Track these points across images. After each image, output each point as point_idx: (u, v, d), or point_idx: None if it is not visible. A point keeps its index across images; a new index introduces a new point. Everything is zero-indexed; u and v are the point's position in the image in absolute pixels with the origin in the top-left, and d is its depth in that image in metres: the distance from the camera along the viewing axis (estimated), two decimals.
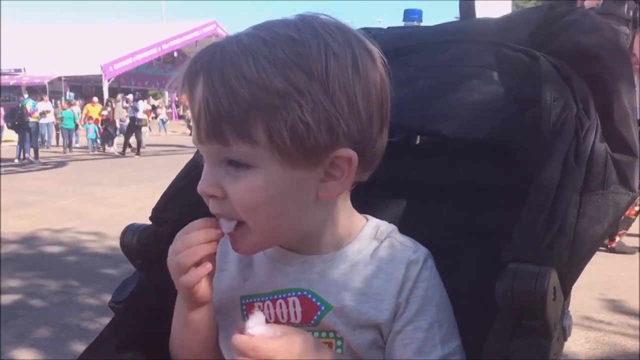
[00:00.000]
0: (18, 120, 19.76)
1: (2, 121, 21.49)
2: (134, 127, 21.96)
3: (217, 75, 0.89)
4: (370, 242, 1.05)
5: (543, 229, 0.91)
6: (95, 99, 27.40)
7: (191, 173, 1.23)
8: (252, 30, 0.95)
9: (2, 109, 22.17)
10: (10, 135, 21.52)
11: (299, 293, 1.03)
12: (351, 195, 1.06)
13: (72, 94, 35.86)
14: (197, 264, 0.98)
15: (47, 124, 23.78)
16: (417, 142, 1.31)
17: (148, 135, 24.37)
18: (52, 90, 33.44)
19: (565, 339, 0.94)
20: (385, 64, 0.99)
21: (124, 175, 14.72)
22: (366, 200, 1.13)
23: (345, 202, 1.05)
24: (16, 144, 20.05)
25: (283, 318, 1.04)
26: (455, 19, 1.60)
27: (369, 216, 1.10)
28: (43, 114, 22.20)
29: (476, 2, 1.44)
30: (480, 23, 1.39)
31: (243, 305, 1.08)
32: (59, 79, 35.62)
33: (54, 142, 25.32)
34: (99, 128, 24.29)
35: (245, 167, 0.92)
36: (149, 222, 1.26)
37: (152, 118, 28.88)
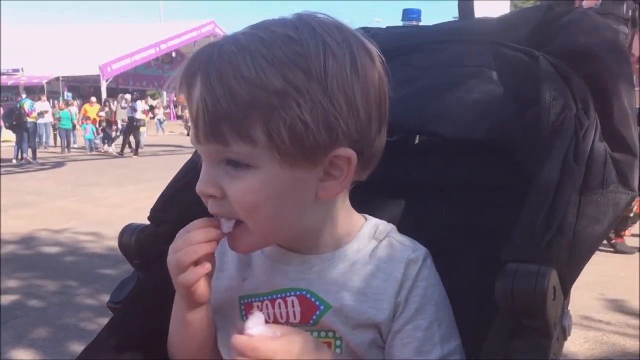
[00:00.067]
0: (16, 121, 19.74)
1: (0, 121, 21.46)
2: (133, 127, 21.95)
3: (215, 75, 0.89)
4: (369, 241, 1.05)
5: (542, 229, 0.91)
6: (93, 99, 27.40)
7: (189, 173, 1.23)
8: (249, 29, 0.95)
9: (0, 109, 22.14)
10: (8, 135, 21.50)
11: (298, 293, 1.02)
12: (350, 194, 1.06)
13: (70, 94, 35.81)
14: (196, 263, 0.98)
15: (45, 124, 23.77)
16: (416, 141, 1.31)
17: (146, 135, 24.33)
18: (50, 90, 33.43)
19: (565, 339, 0.94)
20: (384, 63, 0.99)
21: (123, 176, 14.72)
22: (365, 200, 1.13)
23: (344, 201, 1.05)
24: (14, 144, 20.04)
25: (282, 318, 1.03)
26: (453, 19, 1.60)
27: (367, 216, 1.10)
28: (41, 114, 22.19)
29: (475, 1, 1.44)
30: (479, 23, 1.39)
31: (242, 305, 1.08)
32: (57, 79, 35.59)
33: (51, 142, 25.31)
34: (96, 128, 24.29)
35: (244, 166, 0.92)
36: (147, 222, 1.26)
37: (150, 118, 28.86)
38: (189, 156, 1.25)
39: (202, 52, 0.94)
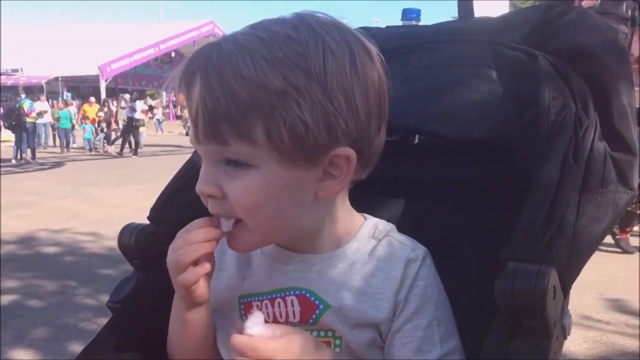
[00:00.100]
0: (15, 121, 19.74)
1: (0, 121, 21.47)
2: (132, 127, 21.94)
3: (214, 75, 0.88)
4: (368, 241, 1.05)
5: (542, 228, 0.91)
6: (92, 99, 27.38)
7: (189, 173, 1.23)
8: (248, 29, 0.95)
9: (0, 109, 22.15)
10: (7, 135, 21.50)
11: (298, 292, 1.02)
12: (351, 194, 1.06)
13: (69, 94, 35.81)
14: (196, 263, 0.98)
15: (44, 124, 23.77)
16: (416, 141, 1.31)
17: (145, 135, 24.33)
18: (49, 90, 33.45)
19: (565, 338, 0.94)
20: (383, 62, 0.99)
21: (122, 176, 14.71)
22: (366, 200, 1.13)
23: (344, 201, 1.05)
24: (13, 144, 20.03)
25: (281, 317, 1.03)
26: (452, 19, 1.60)
27: (367, 215, 1.10)
28: (40, 114, 22.18)
29: (474, 1, 1.44)
30: (478, 22, 1.39)
31: (241, 304, 1.08)
32: (56, 79, 35.59)
33: (51, 142, 25.31)
34: (95, 128, 24.30)
35: (244, 166, 0.92)
36: (147, 222, 1.26)
37: (149, 118, 28.86)
38: (188, 156, 1.25)
39: (201, 52, 0.93)
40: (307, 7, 0.98)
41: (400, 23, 1.52)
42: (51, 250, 7.15)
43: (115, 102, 25.05)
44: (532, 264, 0.87)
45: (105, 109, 24.09)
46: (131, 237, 1.22)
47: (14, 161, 19.05)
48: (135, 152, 21.57)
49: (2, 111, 21.65)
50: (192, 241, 0.98)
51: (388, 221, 1.11)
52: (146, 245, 1.22)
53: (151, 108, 32.48)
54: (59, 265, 6.46)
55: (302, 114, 0.88)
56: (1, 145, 21.02)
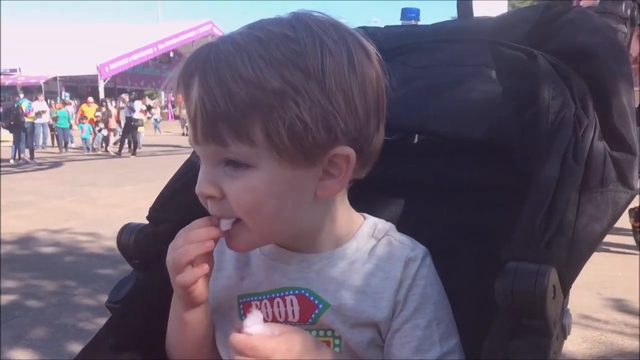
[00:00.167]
0: (13, 121, 19.73)
1: None
2: (131, 127, 21.95)
3: (212, 76, 0.88)
4: (368, 240, 1.05)
5: (542, 228, 0.91)
6: (91, 99, 27.39)
7: (188, 174, 1.23)
8: (246, 29, 0.94)
9: None
10: (6, 135, 21.49)
11: (297, 292, 1.02)
12: (351, 194, 1.06)
13: (67, 94, 35.81)
14: (193, 263, 0.98)
15: (43, 124, 23.75)
16: (415, 141, 1.31)
17: (144, 135, 24.34)
18: (47, 90, 33.43)
19: (564, 338, 0.94)
20: (380, 60, 0.99)
21: (120, 176, 14.71)
22: (366, 200, 1.14)
23: (343, 200, 1.05)
24: (11, 144, 20.02)
25: (281, 317, 1.03)
26: (450, 19, 1.60)
27: (366, 214, 1.10)
28: (39, 114, 22.16)
29: (473, 1, 1.44)
30: (477, 22, 1.39)
31: (240, 304, 1.08)
32: (55, 79, 35.59)
33: (49, 142, 25.29)
34: (93, 128, 24.30)
35: (243, 166, 0.92)
36: (146, 222, 1.26)
37: (147, 118, 28.87)
38: (187, 156, 1.25)
39: (199, 52, 0.93)
40: (306, 7, 0.98)
41: (399, 23, 1.52)
42: (50, 250, 7.14)
43: (114, 102, 25.04)
44: (532, 264, 0.87)
45: (103, 109, 24.09)
46: (130, 237, 1.22)
47: (12, 161, 19.04)
48: (133, 152, 21.57)
49: (0, 111, 21.62)
50: (190, 240, 0.98)
51: (388, 221, 1.11)
52: (145, 245, 1.22)
53: (149, 108, 32.47)
54: (57, 266, 6.46)
55: (300, 114, 0.88)
56: (0, 145, 21.01)
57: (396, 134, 1.25)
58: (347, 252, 1.04)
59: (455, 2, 1.45)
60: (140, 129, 22.62)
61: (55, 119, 24.16)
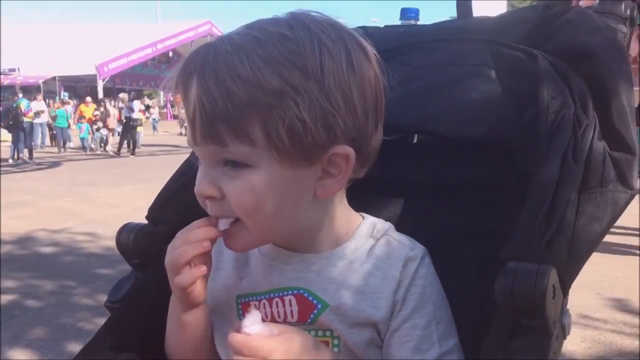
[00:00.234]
0: (12, 120, 19.72)
1: None
2: (130, 126, 21.95)
3: (211, 76, 0.88)
4: (366, 240, 1.05)
5: (542, 228, 0.90)
6: (89, 99, 27.41)
7: (187, 174, 1.22)
8: (243, 29, 0.94)
9: None
10: (5, 135, 21.48)
11: (296, 292, 1.02)
12: (351, 194, 1.06)
13: (66, 94, 35.82)
14: (190, 264, 0.98)
15: (41, 124, 23.75)
16: (415, 141, 1.31)
17: (143, 135, 24.34)
18: (46, 90, 33.45)
19: (564, 337, 0.94)
20: (378, 60, 0.99)
21: (119, 175, 14.70)
22: (365, 199, 1.14)
23: (342, 200, 1.05)
24: (10, 144, 20.02)
25: (279, 317, 1.03)
26: (450, 18, 1.60)
27: (365, 214, 1.10)
28: (37, 114, 22.15)
29: (472, 1, 1.44)
30: (477, 22, 1.39)
31: (239, 304, 1.08)
32: (54, 78, 35.57)
33: (47, 142, 25.27)
34: (91, 128, 24.30)
35: (243, 166, 0.91)
36: (145, 222, 1.25)
37: (146, 118, 28.90)
38: (186, 156, 1.25)
39: (197, 52, 0.93)
40: (305, 7, 0.98)
41: (398, 22, 1.52)
42: (49, 250, 7.13)
43: (113, 102, 25.05)
44: (532, 264, 0.87)
45: (102, 109, 24.09)
46: (129, 236, 1.21)
47: (11, 161, 19.04)
48: (133, 152, 21.57)
49: (0, 111, 21.61)
50: (188, 241, 0.98)
51: (387, 221, 1.11)
52: (144, 244, 1.21)
53: (147, 107, 32.48)
54: (56, 265, 6.45)
55: (300, 113, 0.88)
56: (0, 145, 21.01)
57: (395, 134, 1.25)
58: (346, 252, 1.03)
59: (455, 2, 1.45)
60: (139, 129, 22.62)
61: (54, 118, 24.16)
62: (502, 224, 1.01)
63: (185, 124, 0.98)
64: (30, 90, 27.57)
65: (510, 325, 0.89)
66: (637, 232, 6.73)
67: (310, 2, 1.01)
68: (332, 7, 1.06)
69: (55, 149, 23.61)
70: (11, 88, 29.98)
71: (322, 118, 0.90)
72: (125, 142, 22.40)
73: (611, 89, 1.05)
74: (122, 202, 10.15)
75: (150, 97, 43.35)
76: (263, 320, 0.89)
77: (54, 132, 24.57)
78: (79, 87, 41.48)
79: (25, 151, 19.78)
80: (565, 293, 0.92)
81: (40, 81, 33.41)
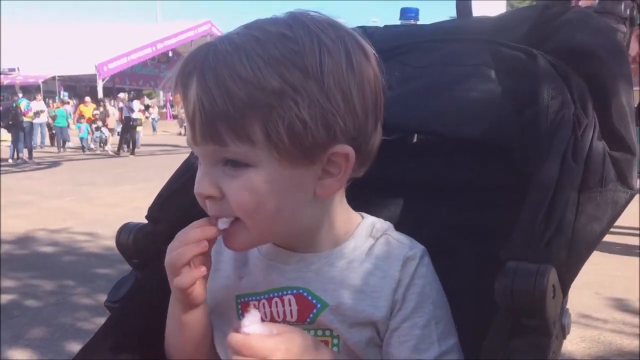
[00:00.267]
0: (12, 120, 19.72)
1: None
2: (129, 126, 21.95)
3: (211, 76, 0.88)
4: (366, 239, 1.05)
5: (542, 228, 0.90)
6: (88, 98, 27.38)
7: (186, 173, 1.22)
8: (243, 29, 0.94)
9: None
10: (4, 135, 21.48)
11: (295, 291, 1.02)
12: (350, 194, 1.06)
13: (66, 94, 35.82)
14: (190, 265, 0.98)
15: (41, 124, 23.74)
16: (414, 140, 1.31)
17: (142, 135, 24.34)
18: (46, 89, 33.47)
19: (564, 337, 0.94)
20: (377, 59, 0.99)
21: (119, 175, 14.71)
22: (365, 199, 1.13)
23: (342, 199, 1.05)
24: (9, 143, 20.01)
25: (279, 317, 1.03)
26: (449, 18, 1.60)
27: (364, 214, 1.10)
28: (37, 113, 22.15)
29: (472, 1, 1.44)
30: (476, 22, 1.39)
31: (238, 304, 1.08)
32: (53, 78, 35.60)
33: (47, 142, 25.26)
34: (90, 127, 24.30)
35: (243, 166, 0.91)
36: (145, 221, 1.25)
37: (146, 118, 28.91)
38: (185, 156, 1.25)
39: (197, 52, 0.93)
40: (304, 7, 0.98)
41: (398, 22, 1.52)
42: (49, 250, 7.14)
43: (113, 102, 25.06)
44: (532, 263, 0.87)
45: (101, 109, 24.09)
46: (129, 236, 1.21)
47: (10, 161, 19.03)
48: (132, 152, 21.57)
49: (0, 110, 21.61)
50: (185, 242, 0.98)
51: (387, 221, 1.10)
52: (144, 244, 1.21)
53: (147, 107, 32.49)
54: (56, 265, 6.45)
55: (300, 113, 0.88)
56: (0, 145, 21.01)
57: (395, 134, 1.25)
58: (345, 251, 1.03)
59: (454, 2, 1.45)
60: (139, 129, 22.62)
61: (53, 117, 24.15)
62: (502, 224, 1.01)
63: (185, 124, 0.98)
64: (30, 90, 27.58)
65: (510, 325, 0.89)
66: (637, 232, 6.73)
67: (310, 3, 1.01)
68: (332, 7, 1.06)
69: (54, 149, 23.61)
70: (11, 88, 29.96)
71: (322, 117, 0.90)
72: (125, 142, 22.40)
73: (611, 89, 1.05)
74: (121, 202, 10.15)
75: (150, 96, 43.36)
76: (262, 320, 0.89)
77: (54, 131, 24.56)
78: (78, 87, 41.49)
79: (25, 151, 19.77)
80: (565, 293, 0.92)
81: (40, 81, 33.42)
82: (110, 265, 6.02)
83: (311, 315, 1.01)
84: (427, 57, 1.25)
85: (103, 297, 1.23)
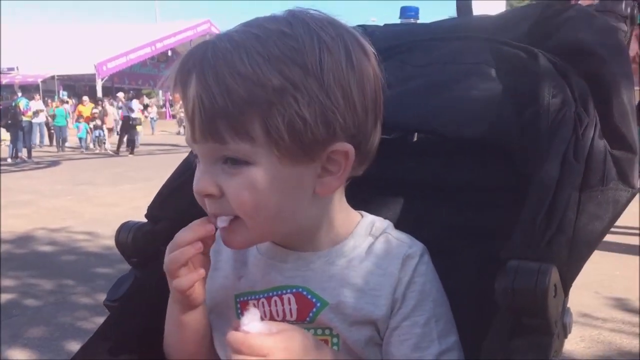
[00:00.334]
0: (11, 119, 19.72)
1: None
2: (129, 126, 21.95)
3: (210, 73, 0.88)
4: (365, 238, 1.05)
5: (543, 226, 0.90)
6: (86, 98, 27.36)
7: (186, 173, 1.22)
8: (242, 27, 0.94)
9: None
10: (4, 134, 21.49)
11: (294, 290, 1.02)
12: (350, 193, 1.06)
13: (65, 93, 35.83)
14: (188, 266, 0.97)
15: (40, 123, 23.74)
16: (414, 139, 1.31)
17: (142, 134, 24.35)
18: (45, 89, 33.46)
19: (565, 337, 0.94)
20: (377, 57, 0.99)
21: (118, 175, 14.70)
22: (365, 198, 1.13)
23: (341, 198, 1.05)
24: (9, 143, 20.02)
25: (278, 315, 1.03)
26: (449, 17, 1.60)
27: (363, 212, 1.10)
28: (36, 113, 22.15)
29: (472, 0, 1.44)
30: (477, 20, 1.39)
31: (238, 303, 1.07)
32: (52, 77, 35.60)
33: (46, 141, 25.26)
34: (89, 127, 24.31)
35: (242, 164, 0.91)
36: (144, 220, 1.25)
37: (145, 117, 28.93)
38: (184, 155, 1.25)
39: (196, 50, 0.93)
40: (304, 6, 0.98)
41: (398, 21, 1.51)
42: (48, 249, 7.14)
43: (112, 101, 25.07)
44: (533, 262, 0.87)
45: (100, 108, 24.10)
46: (128, 235, 1.21)
47: (9, 160, 19.03)
48: (132, 151, 21.57)
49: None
50: (180, 244, 0.97)
51: (387, 220, 1.10)
52: (143, 243, 1.21)
53: (146, 107, 32.48)
54: (55, 264, 6.45)
55: (300, 110, 0.88)
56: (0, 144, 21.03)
57: (395, 133, 1.25)
58: (345, 250, 1.03)
59: (455, 1, 1.45)
60: (138, 128, 22.62)
61: (52, 116, 24.16)
62: (502, 225, 1.01)
63: (184, 124, 0.97)
64: (29, 89, 27.60)
65: (510, 325, 0.88)
66: (637, 232, 6.73)
67: (310, 2, 1.01)
68: (331, 7, 1.06)
69: (54, 148, 23.61)
70: (10, 87, 29.98)
71: (322, 114, 0.90)
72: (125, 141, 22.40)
73: (612, 88, 1.05)
74: (121, 201, 10.15)
75: (149, 96, 43.37)
76: (262, 319, 0.89)
77: (53, 130, 24.56)
78: (77, 86, 41.50)
79: (24, 150, 19.78)
80: (566, 292, 0.91)
81: (39, 80, 33.42)
82: (110, 265, 6.01)
83: (311, 314, 1.01)
84: (427, 56, 1.25)
85: (102, 297, 1.22)
